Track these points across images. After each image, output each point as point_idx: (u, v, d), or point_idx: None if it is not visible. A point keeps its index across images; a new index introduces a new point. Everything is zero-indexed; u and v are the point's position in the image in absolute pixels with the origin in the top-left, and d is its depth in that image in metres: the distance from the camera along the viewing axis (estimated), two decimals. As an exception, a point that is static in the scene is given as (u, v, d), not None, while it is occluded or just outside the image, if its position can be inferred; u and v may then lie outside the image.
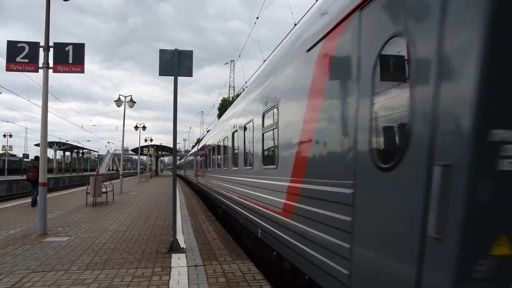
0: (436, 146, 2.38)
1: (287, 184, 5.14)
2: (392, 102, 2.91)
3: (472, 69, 2.13)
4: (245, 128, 8.42)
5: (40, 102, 9.21)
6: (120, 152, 29.68)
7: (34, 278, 5.60)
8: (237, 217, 9.21)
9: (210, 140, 16.92)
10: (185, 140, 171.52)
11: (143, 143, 46.75)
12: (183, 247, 7.58)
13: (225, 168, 11.42)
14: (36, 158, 24.88)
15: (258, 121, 7.04)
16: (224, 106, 74.62)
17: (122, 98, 23.67)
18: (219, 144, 13.40)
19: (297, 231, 4.69)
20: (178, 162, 76.46)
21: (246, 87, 14.46)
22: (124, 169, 41.57)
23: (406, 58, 2.72)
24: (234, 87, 65.27)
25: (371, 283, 3.06)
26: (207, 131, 29.10)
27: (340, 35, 3.72)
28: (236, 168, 9.41)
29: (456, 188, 2.20)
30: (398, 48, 2.83)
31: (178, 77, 7.65)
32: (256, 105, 7.23)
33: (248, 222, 7.78)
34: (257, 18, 28.69)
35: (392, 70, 3.08)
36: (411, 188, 2.57)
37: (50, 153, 77.21)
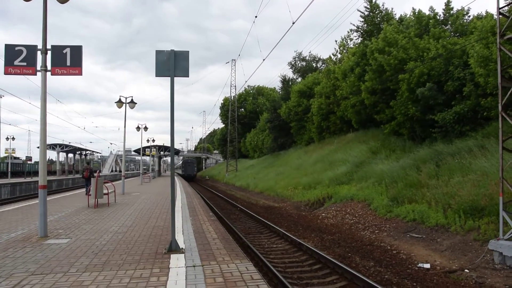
0: None
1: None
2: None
3: None
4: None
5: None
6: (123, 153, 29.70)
7: (32, 281, 5.63)
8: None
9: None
10: (187, 140, 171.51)
11: (145, 144, 46.87)
12: (182, 248, 7.61)
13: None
14: (88, 162, 31.79)
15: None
16: (226, 105, 74.40)
17: (123, 99, 23.67)
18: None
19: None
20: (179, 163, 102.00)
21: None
22: (127, 170, 41.63)
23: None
24: (235, 86, 65.25)
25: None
26: (182, 157, 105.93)
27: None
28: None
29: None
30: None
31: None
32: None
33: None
34: (256, 17, 28.80)
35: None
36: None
37: (54, 155, 77.52)
